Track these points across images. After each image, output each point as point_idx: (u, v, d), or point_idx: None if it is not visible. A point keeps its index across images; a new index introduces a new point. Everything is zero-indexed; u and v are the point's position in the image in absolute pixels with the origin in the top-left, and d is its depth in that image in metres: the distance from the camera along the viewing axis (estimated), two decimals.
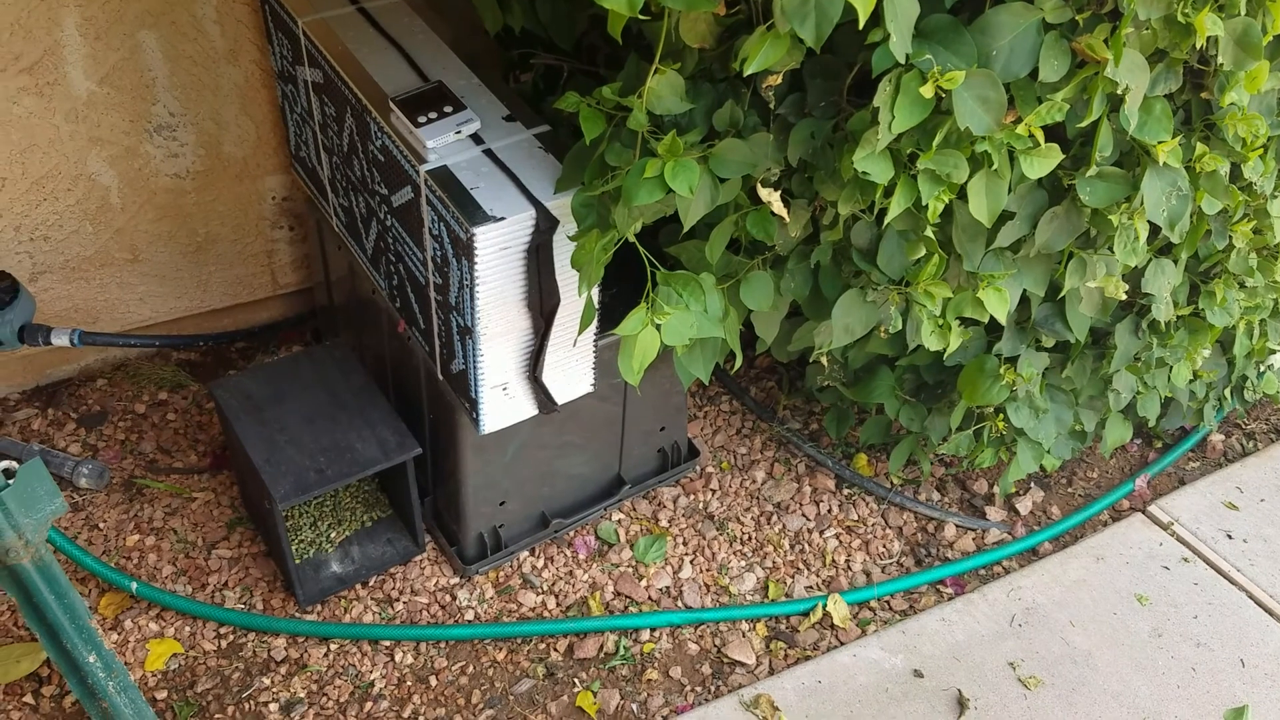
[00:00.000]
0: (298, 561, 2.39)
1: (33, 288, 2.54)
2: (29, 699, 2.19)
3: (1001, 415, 2.33)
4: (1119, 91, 1.64)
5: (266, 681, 2.25)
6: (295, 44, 2.19)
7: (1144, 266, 2.11)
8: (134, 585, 2.33)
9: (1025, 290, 2.05)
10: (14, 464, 1.45)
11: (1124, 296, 2.04)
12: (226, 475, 2.61)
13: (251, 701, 2.22)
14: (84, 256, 2.57)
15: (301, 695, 2.23)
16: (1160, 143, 1.78)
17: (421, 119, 1.90)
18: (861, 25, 1.38)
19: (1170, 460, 2.88)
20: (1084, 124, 1.69)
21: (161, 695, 2.21)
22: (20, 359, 2.68)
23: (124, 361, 2.83)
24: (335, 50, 2.08)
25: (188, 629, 2.32)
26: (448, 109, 1.93)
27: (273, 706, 2.21)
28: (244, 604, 2.37)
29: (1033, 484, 2.79)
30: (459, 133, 1.92)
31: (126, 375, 2.81)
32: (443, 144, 1.90)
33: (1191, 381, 2.54)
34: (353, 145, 2.13)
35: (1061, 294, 2.08)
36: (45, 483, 1.50)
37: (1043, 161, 1.69)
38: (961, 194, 1.70)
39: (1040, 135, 1.65)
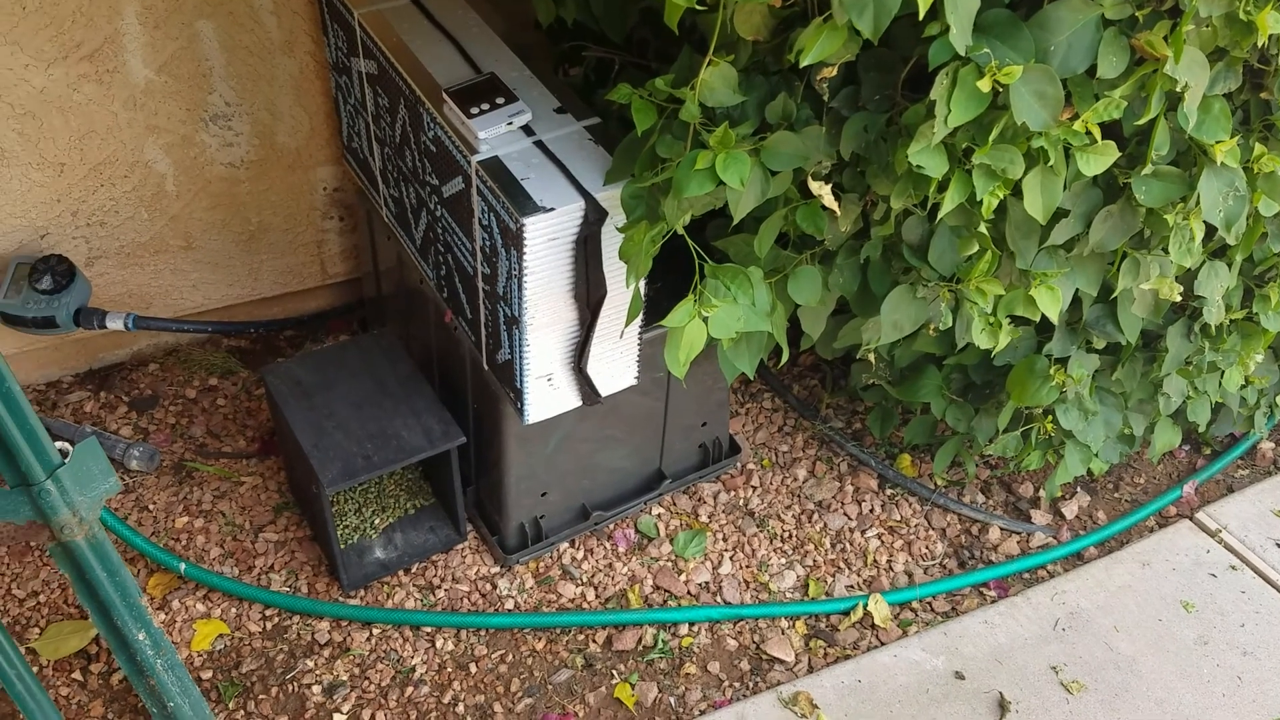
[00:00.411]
0: (342, 546, 2.42)
1: (88, 272, 2.59)
2: (77, 675, 2.23)
3: (1050, 417, 2.30)
4: (1178, 89, 1.62)
5: (310, 664, 2.28)
6: (350, 35, 2.22)
7: (1198, 269, 2.08)
8: (183, 566, 2.37)
9: (1077, 290, 2.03)
10: (68, 445, 1.48)
11: (1178, 298, 2.01)
12: (274, 460, 2.64)
13: (295, 683, 2.25)
14: (139, 243, 2.61)
15: (344, 678, 2.26)
16: (1218, 142, 1.76)
17: (474, 110, 1.91)
18: (921, 17, 1.37)
19: (1219, 467, 2.83)
20: (1141, 122, 1.67)
21: (207, 675, 2.24)
22: (74, 342, 2.73)
23: (176, 347, 2.87)
24: (390, 42, 2.10)
25: (234, 610, 2.35)
26: (500, 100, 1.94)
27: (315, 689, 2.24)
28: (289, 587, 2.40)
29: (1079, 488, 2.76)
30: (510, 124, 1.93)
31: (178, 360, 2.85)
32: (494, 135, 1.92)
33: (1243, 387, 2.50)
34: (405, 136, 2.15)
35: (1114, 294, 2.06)
36: (100, 462, 1.53)
37: (1099, 159, 1.67)
38: (1016, 190, 1.68)
39: (1097, 132, 1.64)
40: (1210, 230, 1.94)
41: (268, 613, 2.36)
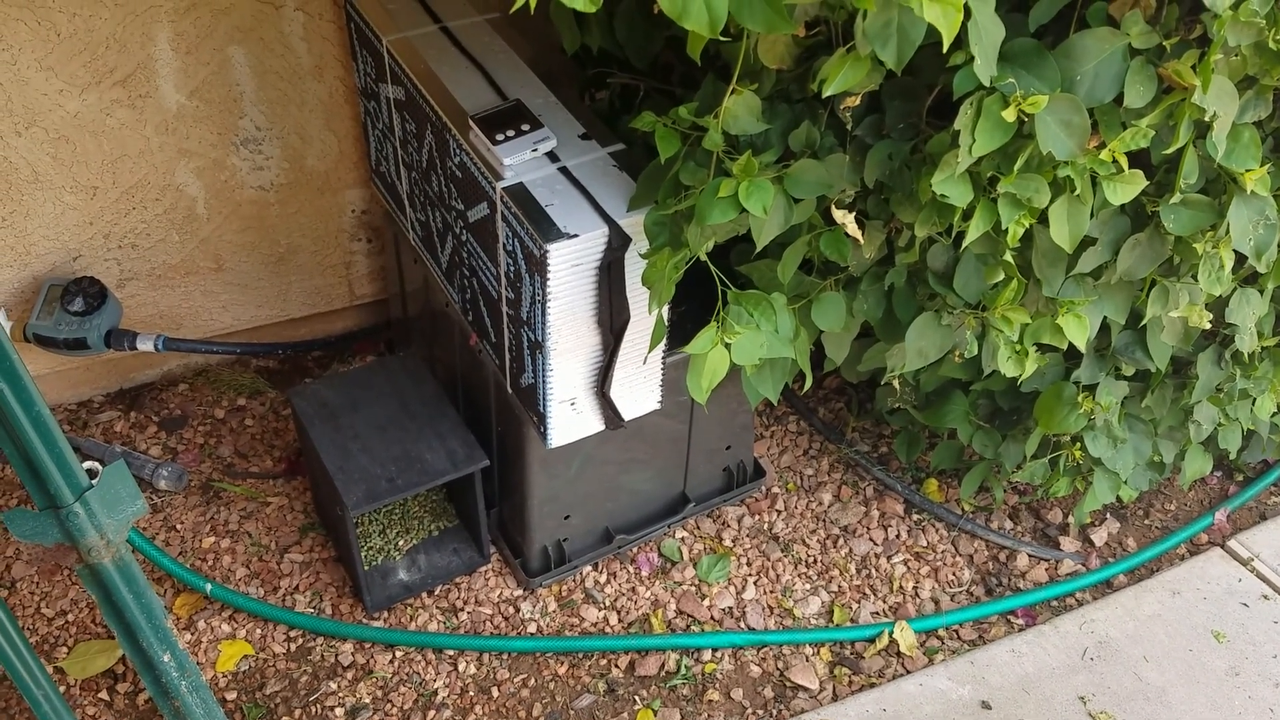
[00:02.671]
0: (366, 568, 2.43)
1: (120, 294, 2.62)
2: (104, 695, 2.25)
3: (1078, 444, 2.28)
4: (1206, 118, 1.61)
5: (333, 686, 2.28)
6: (379, 61, 2.24)
7: (1228, 295, 2.06)
8: (209, 586, 2.39)
9: (1105, 317, 2.01)
10: (97, 465, 1.49)
11: (1207, 326, 1.99)
12: (300, 481, 2.66)
13: (318, 705, 2.25)
14: (170, 264, 2.64)
15: (367, 701, 2.26)
16: (1248, 170, 1.74)
17: (499, 137, 1.93)
18: (946, 48, 1.37)
19: (1251, 494, 2.79)
20: (1169, 150, 1.66)
21: (231, 696, 2.26)
22: (105, 363, 2.76)
23: (205, 367, 2.90)
24: (418, 68, 2.12)
25: (259, 631, 2.36)
26: (525, 127, 1.95)
27: (339, 711, 2.24)
28: (314, 608, 2.41)
29: (1108, 515, 2.73)
30: (535, 150, 1.94)
31: (207, 381, 2.88)
32: (519, 161, 1.93)
33: (1275, 414, 2.46)
34: (431, 161, 2.17)
35: (1143, 322, 2.04)
36: (128, 484, 1.53)
37: (1126, 187, 1.66)
38: (1042, 218, 1.67)
39: (1124, 161, 1.62)
40: (1240, 258, 1.92)
41: (292, 634, 2.37)
